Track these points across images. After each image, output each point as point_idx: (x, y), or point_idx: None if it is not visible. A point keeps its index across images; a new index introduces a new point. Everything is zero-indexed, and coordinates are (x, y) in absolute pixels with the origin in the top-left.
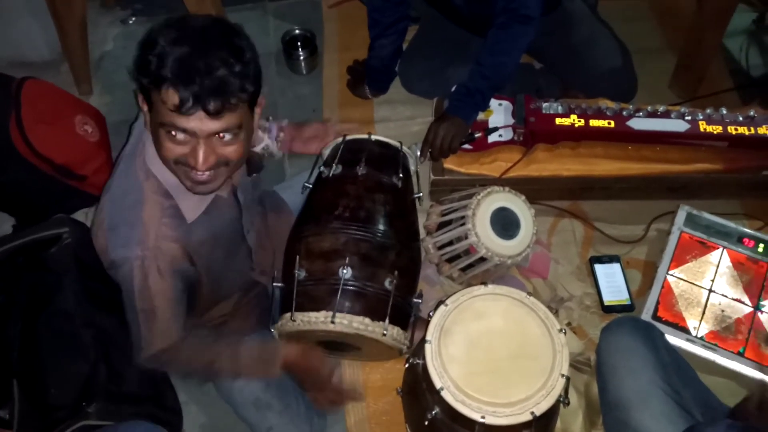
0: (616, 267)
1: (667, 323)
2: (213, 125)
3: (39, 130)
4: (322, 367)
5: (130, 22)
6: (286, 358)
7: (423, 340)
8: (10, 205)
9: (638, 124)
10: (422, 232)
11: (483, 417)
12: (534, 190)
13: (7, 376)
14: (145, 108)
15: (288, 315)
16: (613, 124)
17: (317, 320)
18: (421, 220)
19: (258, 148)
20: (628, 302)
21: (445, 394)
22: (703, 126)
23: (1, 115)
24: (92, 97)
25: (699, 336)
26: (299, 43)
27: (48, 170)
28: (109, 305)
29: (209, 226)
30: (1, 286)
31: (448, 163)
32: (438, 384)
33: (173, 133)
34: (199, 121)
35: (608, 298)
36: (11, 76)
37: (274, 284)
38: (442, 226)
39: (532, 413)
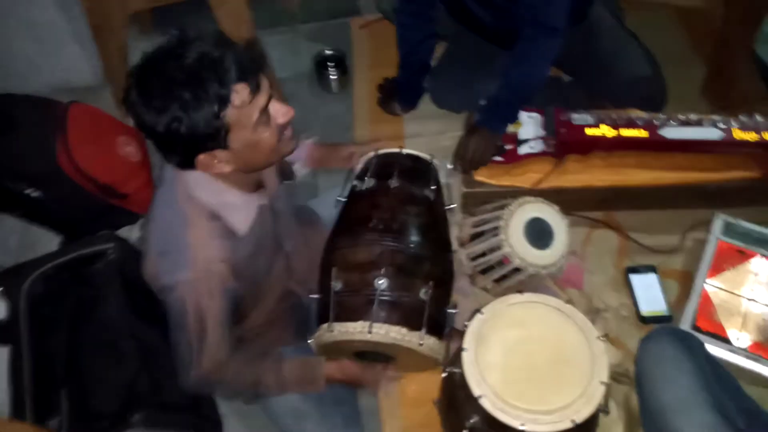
0: (652, 277)
1: (707, 334)
2: (266, 91)
3: (84, 150)
4: (364, 378)
5: None
6: (328, 375)
7: (460, 349)
8: (57, 222)
9: (671, 132)
10: (455, 244)
11: (523, 424)
12: (566, 201)
13: (55, 387)
14: (217, 157)
15: (326, 325)
16: (645, 134)
17: (355, 330)
18: (453, 232)
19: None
20: (666, 313)
21: (483, 402)
22: (737, 133)
23: (49, 137)
24: None
25: (741, 347)
26: (330, 63)
27: (92, 189)
28: (151, 318)
29: (254, 239)
30: (48, 299)
31: (480, 176)
32: (476, 392)
33: (264, 117)
34: (265, 92)
35: (645, 309)
36: (58, 101)
37: (311, 296)
38: (474, 237)
39: (573, 421)
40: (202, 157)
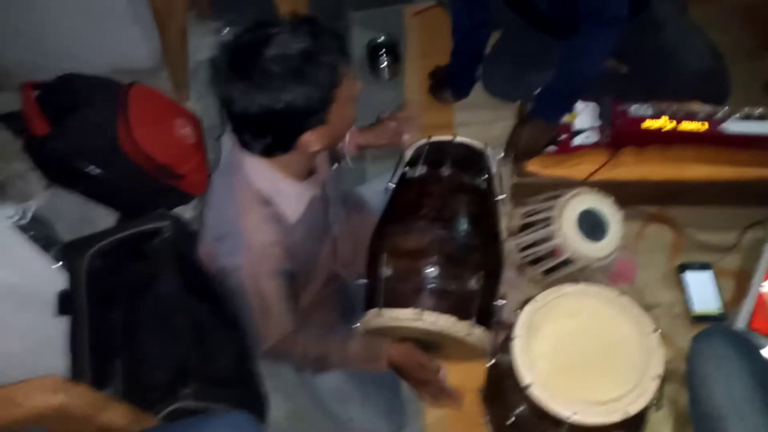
0: (707, 275)
1: (762, 336)
2: None
3: (144, 131)
4: (427, 365)
5: (224, 32)
6: (391, 356)
7: (509, 338)
8: (115, 200)
9: (733, 127)
10: (504, 234)
11: (573, 414)
12: (620, 194)
13: (110, 358)
14: (317, 134)
15: (375, 310)
16: (705, 127)
17: (405, 317)
18: (503, 222)
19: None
20: (720, 312)
21: (533, 390)
22: None
23: (110, 116)
24: (189, 102)
25: None
26: (383, 51)
27: (150, 169)
28: (204, 295)
29: (306, 225)
30: (106, 273)
31: (531, 166)
32: (526, 380)
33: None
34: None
35: (698, 307)
36: (119, 82)
37: (358, 281)
38: (525, 227)
39: (625, 413)
40: (307, 135)
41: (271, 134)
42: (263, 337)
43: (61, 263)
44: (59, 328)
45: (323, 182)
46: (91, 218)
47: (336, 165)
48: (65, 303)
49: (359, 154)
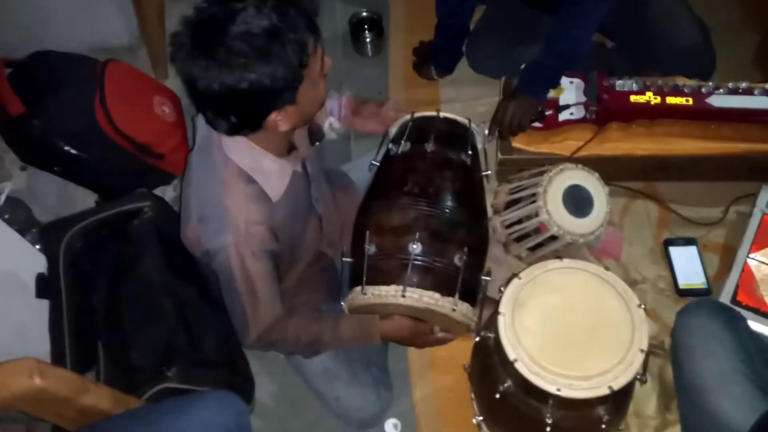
0: (692, 250)
1: (747, 308)
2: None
3: (122, 109)
4: (420, 330)
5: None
6: (384, 331)
7: (496, 313)
8: (94, 181)
9: (719, 101)
10: (489, 211)
11: (558, 389)
12: (606, 169)
13: (93, 340)
14: (284, 114)
15: (359, 288)
16: (691, 102)
17: (388, 294)
18: (488, 199)
19: (325, 126)
20: (705, 286)
21: (519, 366)
22: None
23: (87, 95)
24: (168, 80)
25: None
26: (366, 26)
27: (129, 148)
28: (187, 275)
29: (289, 202)
30: (87, 256)
31: (517, 142)
32: (512, 355)
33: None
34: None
35: (683, 282)
36: (95, 59)
37: (343, 259)
38: (510, 204)
39: (610, 387)
40: (273, 116)
41: (236, 114)
42: (252, 323)
43: (39, 246)
44: (41, 312)
45: (304, 159)
46: (69, 200)
47: (317, 143)
48: (43, 286)
49: (351, 125)
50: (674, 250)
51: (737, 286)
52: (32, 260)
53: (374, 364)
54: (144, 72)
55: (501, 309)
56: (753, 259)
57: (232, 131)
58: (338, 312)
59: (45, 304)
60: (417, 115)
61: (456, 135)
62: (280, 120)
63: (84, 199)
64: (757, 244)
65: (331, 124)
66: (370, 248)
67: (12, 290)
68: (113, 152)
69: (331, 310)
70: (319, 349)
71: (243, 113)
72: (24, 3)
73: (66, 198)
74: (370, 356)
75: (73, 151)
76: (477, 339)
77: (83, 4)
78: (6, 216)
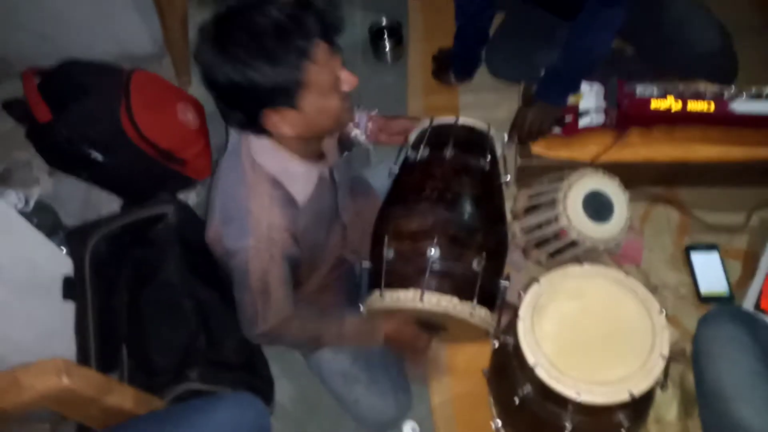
0: (714, 256)
1: None
2: (341, 55)
3: (146, 116)
4: (419, 340)
5: None
6: (387, 332)
7: (515, 318)
8: (118, 186)
9: (740, 106)
10: (509, 217)
11: (578, 395)
12: (626, 175)
13: (116, 343)
14: (285, 117)
15: (377, 292)
16: (713, 107)
17: (406, 298)
18: (508, 205)
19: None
20: (727, 293)
21: (539, 371)
22: None
23: (113, 102)
24: (191, 88)
25: None
26: (385, 33)
27: (153, 154)
28: (209, 279)
29: (314, 208)
30: (111, 259)
31: (537, 148)
32: (531, 360)
33: (336, 82)
34: (340, 57)
35: (705, 288)
36: (121, 67)
37: (362, 263)
38: (530, 209)
39: (630, 393)
40: (270, 114)
41: (238, 108)
42: (261, 319)
43: (65, 249)
44: (66, 314)
45: (332, 167)
46: (94, 204)
47: (346, 153)
48: (70, 288)
49: (377, 141)
50: (696, 257)
51: (761, 293)
52: (59, 263)
53: (393, 368)
54: (168, 80)
55: (521, 314)
56: None
57: (242, 127)
58: (346, 311)
59: (70, 306)
60: (436, 121)
61: (475, 141)
62: (278, 122)
63: (108, 203)
64: None
65: (356, 136)
66: (389, 253)
67: (39, 292)
68: (138, 158)
69: (350, 313)
70: (320, 344)
71: (243, 108)
72: (50, 15)
73: (90, 202)
74: (389, 360)
75: (99, 157)
76: (496, 344)
77: (107, 15)
78: (35, 220)
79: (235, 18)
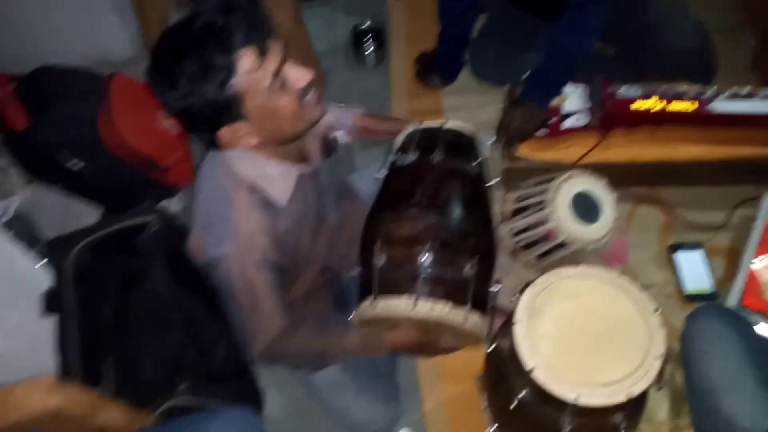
0: (698, 254)
1: (754, 312)
2: (277, 54)
3: (127, 123)
4: (427, 341)
5: None
6: (392, 343)
7: (509, 322)
8: (99, 195)
9: (722, 106)
10: (496, 220)
11: (577, 397)
12: (610, 176)
13: (100, 355)
14: (238, 131)
15: (369, 300)
16: (695, 107)
17: (399, 305)
18: (495, 207)
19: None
20: (712, 290)
21: (537, 374)
22: None
23: (91, 108)
24: None
25: None
26: (367, 36)
27: (133, 161)
28: (196, 288)
29: (295, 210)
30: (94, 270)
31: (522, 150)
32: (529, 364)
33: (278, 82)
34: (275, 56)
35: (690, 287)
36: (100, 73)
37: (351, 270)
38: (517, 212)
39: (629, 394)
40: (224, 131)
41: (193, 129)
42: (256, 336)
43: (46, 260)
44: (47, 326)
45: (316, 170)
46: (74, 214)
47: (333, 155)
48: (52, 301)
49: (361, 138)
50: (680, 255)
51: (743, 291)
52: (39, 275)
53: (383, 375)
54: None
55: (517, 317)
56: (758, 263)
57: (211, 147)
58: (345, 323)
59: (51, 319)
60: (424, 125)
61: (463, 145)
62: (233, 137)
63: (88, 213)
64: (762, 248)
65: (339, 137)
66: (380, 259)
67: (19, 306)
68: (117, 166)
69: (337, 321)
70: (324, 362)
71: (196, 129)
72: (26, 16)
73: (70, 212)
74: (378, 368)
75: (77, 165)
76: (490, 348)
77: (86, 17)
78: (13, 230)
79: (165, 41)
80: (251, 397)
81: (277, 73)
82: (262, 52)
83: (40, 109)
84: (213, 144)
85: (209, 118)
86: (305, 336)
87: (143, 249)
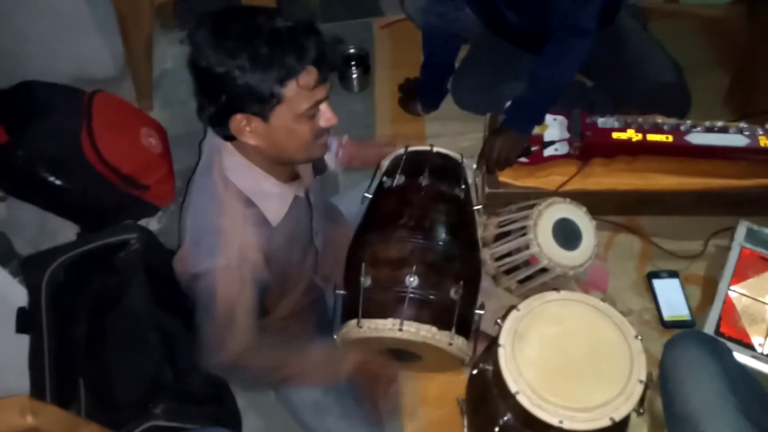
0: (675, 282)
1: (730, 339)
2: (327, 89)
3: (108, 140)
4: (384, 375)
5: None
6: (355, 363)
7: (495, 345)
8: (77, 212)
9: (697, 138)
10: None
11: (561, 422)
12: (589, 204)
13: (73, 376)
14: (252, 124)
15: (354, 321)
16: (671, 139)
17: (384, 327)
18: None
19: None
20: (689, 318)
21: (521, 398)
22: (763, 141)
23: (73, 125)
24: (152, 112)
25: (765, 353)
26: (353, 62)
27: (114, 179)
28: (174, 309)
29: (288, 230)
30: (70, 288)
31: (504, 176)
32: (513, 388)
33: (313, 112)
34: (324, 90)
35: (668, 314)
36: (82, 90)
37: (337, 291)
38: (499, 237)
39: (612, 419)
40: (238, 117)
41: (212, 100)
42: (221, 347)
43: (19, 278)
44: (19, 346)
45: (307, 189)
46: (50, 231)
47: (318, 176)
48: (24, 320)
49: (347, 167)
50: (658, 283)
51: (720, 318)
52: (12, 294)
53: (366, 399)
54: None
55: (501, 341)
56: (734, 291)
57: (210, 122)
58: (327, 345)
59: (25, 338)
60: (411, 149)
61: (449, 169)
62: (244, 126)
63: (64, 230)
64: (737, 277)
65: (326, 160)
66: (366, 281)
67: None
68: (98, 183)
69: (322, 342)
70: (280, 378)
71: (214, 100)
72: (7, 32)
73: (46, 229)
74: (361, 391)
75: (57, 181)
76: (474, 372)
77: (69, 35)
78: None
79: (240, 13)
80: (229, 420)
81: (317, 104)
82: (322, 80)
83: (19, 125)
84: (215, 120)
85: (239, 97)
86: (267, 348)
87: (122, 267)
